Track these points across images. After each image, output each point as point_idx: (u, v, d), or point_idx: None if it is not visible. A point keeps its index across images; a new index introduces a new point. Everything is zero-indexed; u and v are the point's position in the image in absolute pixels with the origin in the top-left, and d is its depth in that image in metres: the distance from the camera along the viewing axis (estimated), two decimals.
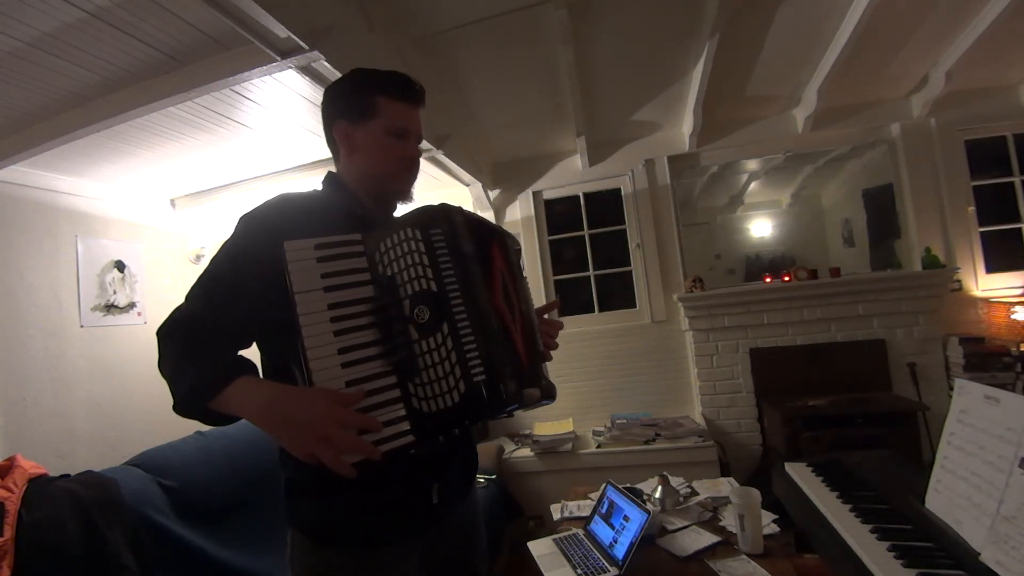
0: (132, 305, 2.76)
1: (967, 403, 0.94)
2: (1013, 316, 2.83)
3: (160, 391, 0.86)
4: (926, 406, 2.66)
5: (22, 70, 1.61)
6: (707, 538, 1.87)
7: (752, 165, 3.42)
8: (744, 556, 1.73)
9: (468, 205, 3.42)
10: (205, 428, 2.27)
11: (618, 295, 3.50)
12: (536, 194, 3.58)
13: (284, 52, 1.58)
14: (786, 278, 3.05)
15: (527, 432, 3.30)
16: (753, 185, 3.52)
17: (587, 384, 3.41)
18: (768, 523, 1.88)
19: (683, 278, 3.29)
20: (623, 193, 3.48)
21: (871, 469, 1.20)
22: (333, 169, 1.08)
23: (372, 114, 0.99)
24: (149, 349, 0.90)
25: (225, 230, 0.99)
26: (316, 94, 1.94)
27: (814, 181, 3.44)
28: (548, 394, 0.98)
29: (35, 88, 1.71)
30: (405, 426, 0.80)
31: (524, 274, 1.09)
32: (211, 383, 0.79)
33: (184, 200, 3.04)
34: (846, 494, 1.08)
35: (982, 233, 3.03)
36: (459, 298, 0.83)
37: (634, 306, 3.45)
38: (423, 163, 2.38)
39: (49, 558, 1.52)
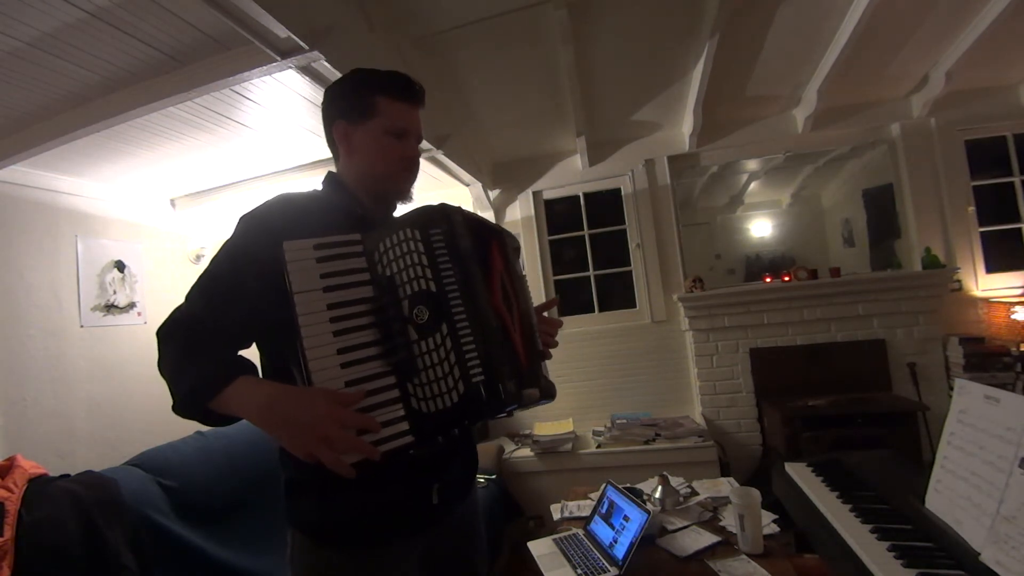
0: (132, 305, 2.76)
1: (967, 403, 0.94)
2: (1013, 316, 2.83)
3: (160, 391, 0.86)
4: (926, 406, 2.66)
5: (22, 70, 1.61)
6: (707, 538, 1.87)
7: (752, 165, 3.42)
8: (744, 556, 1.73)
9: (468, 205, 3.42)
10: (205, 428, 2.27)
11: (618, 295, 3.50)
12: (536, 194, 3.58)
13: (284, 52, 1.58)
14: (786, 278, 3.05)
15: (527, 432, 3.29)
16: (753, 185, 3.51)
17: (587, 384, 3.41)
18: (768, 523, 1.88)
19: (683, 278, 3.29)
20: (623, 193, 3.47)
21: (871, 469, 1.20)
22: (333, 169, 1.08)
23: (372, 114, 1.00)
24: (149, 349, 0.90)
25: (225, 230, 0.99)
26: (316, 94, 1.94)
27: (814, 181, 3.44)
28: (548, 393, 0.98)
29: (35, 88, 1.71)
30: (404, 426, 0.80)
31: (524, 273, 1.09)
32: (211, 383, 0.79)
33: (184, 200, 3.04)
34: (846, 494, 1.08)
35: (982, 233, 3.03)
36: (458, 298, 0.83)
37: (634, 306, 3.45)
38: (423, 163, 2.40)
39: (49, 558, 1.52)
